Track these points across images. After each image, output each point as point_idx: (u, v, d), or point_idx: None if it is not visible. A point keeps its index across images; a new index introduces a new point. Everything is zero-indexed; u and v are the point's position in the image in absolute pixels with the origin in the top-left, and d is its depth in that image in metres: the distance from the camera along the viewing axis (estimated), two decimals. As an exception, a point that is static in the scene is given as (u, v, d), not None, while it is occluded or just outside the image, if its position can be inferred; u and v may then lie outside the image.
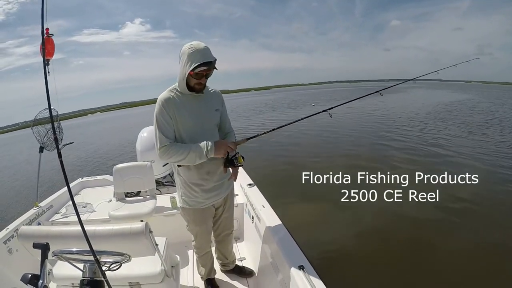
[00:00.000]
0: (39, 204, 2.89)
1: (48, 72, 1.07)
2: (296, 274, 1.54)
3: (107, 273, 1.20)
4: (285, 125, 2.09)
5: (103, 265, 1.18)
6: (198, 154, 1.61)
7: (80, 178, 3.92)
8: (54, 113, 3.25)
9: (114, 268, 1.19)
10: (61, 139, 3.27)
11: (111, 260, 1.21)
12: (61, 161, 1.07)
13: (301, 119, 2.21)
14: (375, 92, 2.74)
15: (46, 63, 1.09)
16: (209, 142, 1.64)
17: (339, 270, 3.22)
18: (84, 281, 1.14)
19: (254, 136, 1.89)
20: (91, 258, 1.18)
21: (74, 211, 2.99)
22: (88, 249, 1.15)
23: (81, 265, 1.22)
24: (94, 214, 2.99)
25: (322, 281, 1.47)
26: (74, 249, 1.18)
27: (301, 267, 1.57)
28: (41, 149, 3.09)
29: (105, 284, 1.08)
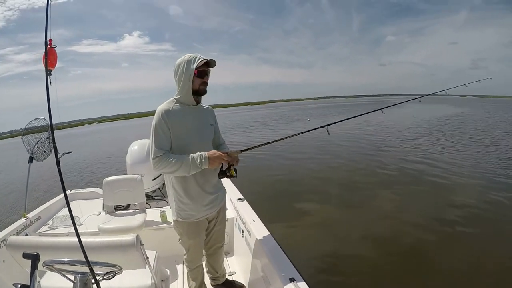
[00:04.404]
0: (27, 215, 2.86)
1: (50, 82, 1.09)
2: (287, 287, 1.54)
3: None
4: (281, 139, 2.07)
5: (97, 274, 1.18)
6: (192, 165, 1.64)
7: (69, 191, 3.86)
8: (45, 123, 3.25)
9: (109, 278, 1.19)
10: (51, 150, 3.25)
11: (102, 272, 1.21)
12: (59, 170, 1.08)
13: (298, 134, 2.18)
14: (377, 110, 2.74)
15: (48, 73, 1.11)
16: (204, 154, 1.67)
17: (330, 284, 3.24)
18: None
19: (248, 149, 1.91)
20: (82, 269, 1.18)
21: (61, 224, 2.94)
22: (79, 259, 1.15)
23: (71, 277, 1.21)
24: (82, 227, 2.95)
25: None
26: (66, 259, 1.18)
27: (292, 280, 1.57)
28: (31, 160, 3.06)
29: None
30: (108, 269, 1.20)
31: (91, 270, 1.05)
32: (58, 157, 1.12)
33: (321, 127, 2.22)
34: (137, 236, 1.41)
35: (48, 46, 1.18)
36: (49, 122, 1.10)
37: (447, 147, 10.62)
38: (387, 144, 11.82)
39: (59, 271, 1.19)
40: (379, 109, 2.73)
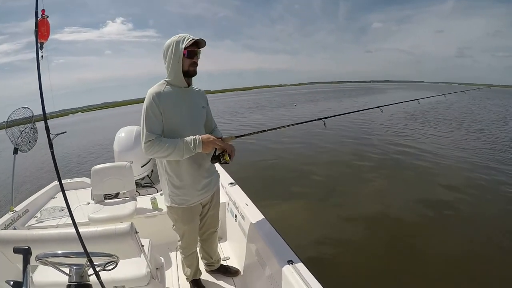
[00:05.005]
0: (14, 209, 2.78)
1: (42, 56, 1.03)
2: (286, 269, 1.56)
3: (92, 277, 1.17)
4: (277, 128, 2.09)
5: (91, 268, 1.15)
6: (186, 149, 1.61)
7: (56, 181, 3.78)
8: (29, 114, 3.15)
9: (109, 269, 1.16)
10: (36, 140, 3.16)
11: (97, 263, 1.18)
12: (52, 153, 1.02)
13: (295, 124, 2.21)
14: (376, 107, 2.87)
15: (40, 46, 1.04)
16: (197, 137, 1.64)
17: (328, 265, 3.37)
18: (71, 286, 1.09)
19: (243, 135, 1.91)
20: (78, 261, 1.15)
21: (50, 216, 2.85)
22: (74, 251, 1.12)
23: (66, 270, 1.18)
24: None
25: (312, 274, 1.50)
26: (60, 252, 1.14)
27: (290, 262, 1.59)
28: (15, 151, 2.97)
29: (102, 285, 1.06)
30: (105, 259, 1.18)
31: (90, 260, 1.03)
32: (51, 138, 1.05)
33: (318, 119, 2.25)
34: (132, 224, 1.39)
35: (41, 15, 1.11)
36: (41, 102, 1.02)
37: (432, 134, 10.85)
38: (373, 130, 11.99)
39: (53, 265, 1.15)
40: (378, 107, 2.81)
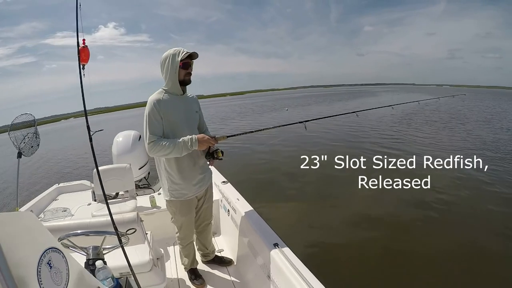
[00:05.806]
0: (19, 210, 2.93)
1: (84, 75, 1.29)
2: (273, 253, 1.79)
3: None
4: (263, 129, 2.37)
5: (104, 249, 1.35)
6: (184, 147, 1.86)
7: (57, 184, 3.92)
8: (31, 118, 3.31)
9: (130, 233, 1.37)
10: (38, 145, 3.31)
11: (109, 246, 1.37)
12: (91, 145, 1.27)
13: (279, 126, 2.47)
14: (352, 112, 3.14)
15: (82, 67, 1.31)
16: (194, 137, 1.89)
17: (317, 256, 3.62)
18: (90, 261, 1.28)
19: (234, 135, 2.16)
20: (94, 241, 1.34)
21: (53, 216, 3.03)
22: (90, 230, 1.33)
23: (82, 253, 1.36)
24: (74, 218, 3.06)
25: (295, 254, 1.73)
26: (79, 231, 1.34)
27: (276, 245, 1.82)
28: (19, 155, 3.11)
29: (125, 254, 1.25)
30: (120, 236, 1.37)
31: (115, 228, 1.23)
32: (91, 134, 1.36)
33: (299, 122, 2.50)
34: (137, 213, 1.60)
35: (82, 45, 1.38)
36: (84, 110, 1.35)
37: (419, 136, 11.07)
38: (361, 134, 12.06)
39: (74, 246, 1.34)
40: (354, 112, 3.07)
